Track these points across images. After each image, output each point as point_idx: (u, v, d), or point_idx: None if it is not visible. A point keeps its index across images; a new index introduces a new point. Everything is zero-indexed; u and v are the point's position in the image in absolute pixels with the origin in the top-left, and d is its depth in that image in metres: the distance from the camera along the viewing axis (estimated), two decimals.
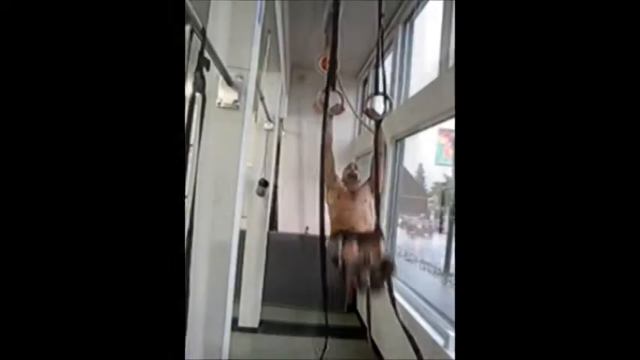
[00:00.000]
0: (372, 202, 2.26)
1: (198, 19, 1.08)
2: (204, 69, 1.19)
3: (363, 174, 2.48)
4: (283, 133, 4.59)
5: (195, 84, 1.14)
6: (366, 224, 2.16)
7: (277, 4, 2.91)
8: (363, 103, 2.43)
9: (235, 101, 1.69)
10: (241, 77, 1.72)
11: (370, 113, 2.35)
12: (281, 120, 4.46)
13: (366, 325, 3.27)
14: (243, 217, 2.08)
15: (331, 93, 2.07)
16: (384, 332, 3.27)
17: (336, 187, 2.14)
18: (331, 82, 1.94)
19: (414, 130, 3.47)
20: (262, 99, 3.38)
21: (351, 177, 2.30)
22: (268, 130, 3.99)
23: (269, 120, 3.94)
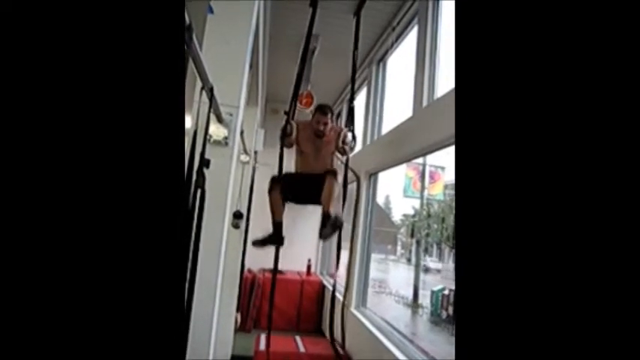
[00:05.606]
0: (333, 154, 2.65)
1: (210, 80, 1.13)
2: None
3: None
4: (257, 165, 4.61)
5: (197, 182, 1.24)
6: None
7: (261, 40, 3.00)
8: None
9: (225, 137, 1.73)
10: (230, 115, 1.76)
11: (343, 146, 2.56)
12: (255, 152, 4.49)
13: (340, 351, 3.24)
14: None
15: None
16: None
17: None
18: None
19: (388, 166, 3.58)
20: (242, 133, 3.41)
21: (317, 133, 2.63)
22: (244, 163, 4.00)
23: (245, 153, 3.97)
